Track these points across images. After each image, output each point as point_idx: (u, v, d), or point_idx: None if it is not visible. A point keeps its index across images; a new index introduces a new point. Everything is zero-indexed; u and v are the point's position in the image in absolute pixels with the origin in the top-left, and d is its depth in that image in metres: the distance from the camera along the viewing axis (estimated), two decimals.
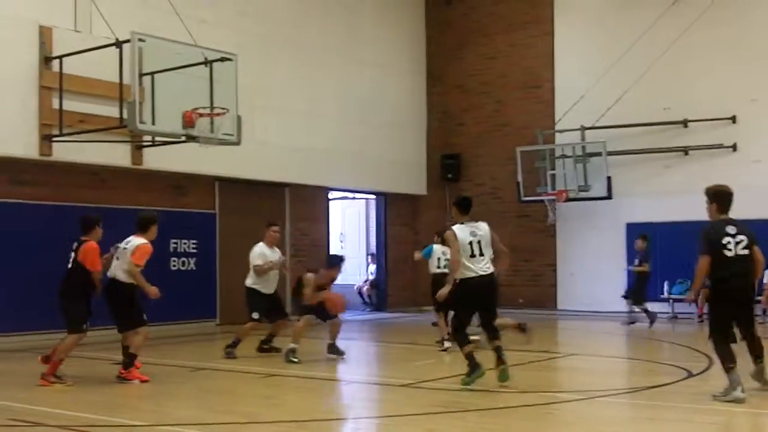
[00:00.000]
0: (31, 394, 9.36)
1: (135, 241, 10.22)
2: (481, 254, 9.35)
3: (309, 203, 19.52)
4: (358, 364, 12.23)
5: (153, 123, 12.62)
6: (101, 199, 15.22)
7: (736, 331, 8.70)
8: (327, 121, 19.23)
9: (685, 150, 19.01)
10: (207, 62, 13.09)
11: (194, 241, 16.87)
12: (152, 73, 12.66)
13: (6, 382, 10.26)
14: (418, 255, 13.74)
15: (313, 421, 8.14)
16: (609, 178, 18.89)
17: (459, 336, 9.54)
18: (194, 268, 16.86)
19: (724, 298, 8.61)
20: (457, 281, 9.41)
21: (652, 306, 17.16)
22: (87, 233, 10.05)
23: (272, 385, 10.23)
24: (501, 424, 7.90)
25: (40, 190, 14.66)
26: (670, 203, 18.79)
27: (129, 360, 10.10)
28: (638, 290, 16.98)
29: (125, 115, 12.57)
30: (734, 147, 18.45)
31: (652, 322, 16.59)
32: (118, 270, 10.13)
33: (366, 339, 14.76)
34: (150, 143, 14.73)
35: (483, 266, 9.34)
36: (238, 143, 13.82)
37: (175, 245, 16.52)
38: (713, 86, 18.62)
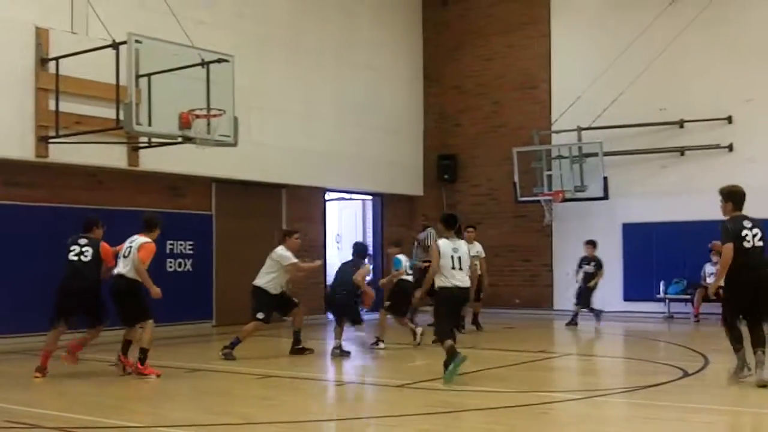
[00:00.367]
0: (27, 395, 9.37)
1: (140, 239, 10.64)
2: (460, 268, 10.18)
3: (306, 204, 19.52)
4: (354, 364, 12.24)
5: (150, 124, 12.59)
6: (98, 200, 15.22)
7: (744, 329, 9.47)
8: (324, 122, 19.24)
9: (682, 150, 19.03)
10: (204, 63, 13.05)
11: (191, 243, 16.86)
12: (149, 75, 12.63)
13: (1, 383, 10.26)
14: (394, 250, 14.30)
15: (310, 422, 8.16)
16: (605, 179, 18.91)
17: (441, 334, 10.29)
18: (191, 270, 16.85)
19: (742, 283, 9.35)
20: (437, 288, 10.19)
21: (648, 306, 17.27)
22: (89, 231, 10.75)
23: (269, 386, 10.24)
24: (497, 423, 7.91)
25: (37, 191, 14.64)
26: (666, 203, 18.85)
27: (143, 355, 10.44)
28: (588, 294, 17.01)
29: (122, 117, 12.55)
30: (730, 147, 18.48)
31: (598, 317, 16.87)
32: (125, 267, 10.51)
33: (362, 339, 14.72)
34: (146, 145, 14.70)
35: (461, 279, 10.18)
36: (234, 144, 13.80)
37: (171, 246, 16.49)
38: (709, 87, 18.65)
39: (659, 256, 19.04)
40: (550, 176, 19.58)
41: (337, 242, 23.13)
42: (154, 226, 10.86)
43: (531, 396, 9.02)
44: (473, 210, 21.06)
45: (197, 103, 12.92)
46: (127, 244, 10.69)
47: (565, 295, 19.52)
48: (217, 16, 16.76)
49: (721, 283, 9.72)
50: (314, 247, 19.22)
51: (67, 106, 13.93)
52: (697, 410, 8.32)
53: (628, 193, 19.36)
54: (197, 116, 12.82)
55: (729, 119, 18.56)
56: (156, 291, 10.49)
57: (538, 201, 19.90)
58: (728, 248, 9.32)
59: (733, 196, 9.66)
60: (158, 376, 10.42)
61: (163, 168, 15.76)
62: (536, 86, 21.01)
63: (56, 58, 13.78)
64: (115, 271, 10.61)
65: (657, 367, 11.31)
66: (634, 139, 19.47)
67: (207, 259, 17.25)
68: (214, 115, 13.01)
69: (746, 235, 9.36)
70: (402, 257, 13.88)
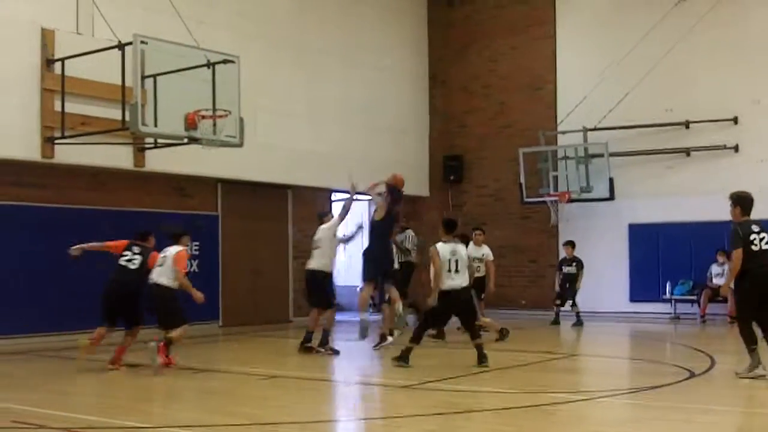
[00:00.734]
0: (32, 396, 9.37)
1: (173, 249, 11.18)
2: (457, 270, 10.83)
3: (312, 205, 19.50)
4: (359, 364, 12.23)
5: (155, 125, 12.61)
6: (103, 201, 15.24)
7: (758, 330, 9.87)
8: (330, 123, 19.24)
9: (687, 151, 18.99)
10: (209, 64, 13.08)
11: (197, 243, 16.87)
12: (154, 75, 12.65)
13: (7, 384, 10.28)
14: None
15: (316, 422, 8.14)
16: (611, 180, 18.89)
17: (420, 332, 11.24)
18: (197, 270, 16.84)
19: (752, 285, 9.79)
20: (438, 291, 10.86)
21: (654, 306, 17.46)
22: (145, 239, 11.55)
23: (274, 387, 10.23)
24: (504, 424, 7.90)
25: (42, 192, 14.66)
26: (672, 204, 18.81)
27: (170, 345, 10.92)
28: (573, 294, 17.28)
29: (127, 117, 12.57)
30: (736, 148, 18.43)
31: (579, 321, 17.14)
32: (161, 276, 10.97)
33: (368, 340, 14.66)
34: (152, 145, 14.71)
35: (458, 280, 10.84)
36: (240, 145, 13.81)
37: None
38: (715, 87, 18.61)
39: (665, 257, 19.00)
40: (556, 177, 19.59)
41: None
42: (180, 238, 11.38)
43: (538, 397, 9.00)
44: (479, 211, 21.06)
45: (203, 104, 12.94)
46: (161, 254, 11.19)
47: None
48: (222, 17, 16.77)
49: (727, 290, 10.14)
50: None
51: (73, 107, 13.94)
52: (704, 411, 8.29)
53: (634, 194, 19.33)
54: (203, 117, 12.84)
55: (735, 120, 18.51)
56: (198, 296, 11.05)
57: (544, 202, 19.89)
58: (738, 253, 9.79)
59: (742, 201, 10.09)
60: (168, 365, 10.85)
61: (169, 169, 15.75)
62: (542, 87, 20.98)
63: (62, 59, 13.79)
64: (151, 279, 11.01)
65: (664, 367, 11.29)
66: (640, 139, 19.43)
67: (213, 259, 17.26)
68: (220, 116, 13.02)
69: (754, 239, 9.83)
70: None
